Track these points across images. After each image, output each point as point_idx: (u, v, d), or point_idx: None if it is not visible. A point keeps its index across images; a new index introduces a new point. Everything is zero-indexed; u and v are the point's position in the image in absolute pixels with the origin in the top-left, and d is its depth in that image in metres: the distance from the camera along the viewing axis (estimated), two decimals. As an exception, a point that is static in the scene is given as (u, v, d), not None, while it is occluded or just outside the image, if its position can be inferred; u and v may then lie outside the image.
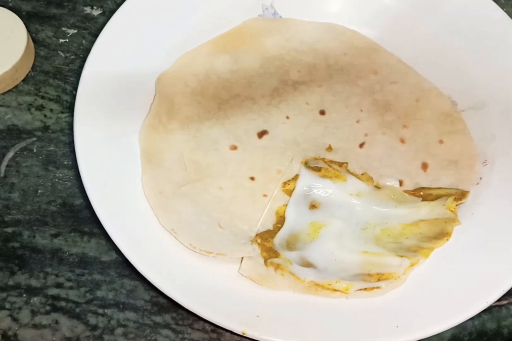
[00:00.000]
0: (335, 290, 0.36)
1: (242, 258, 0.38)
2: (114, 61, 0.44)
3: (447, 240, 0.38)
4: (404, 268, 0.36)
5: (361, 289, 0.36)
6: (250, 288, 0.36)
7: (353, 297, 0.36)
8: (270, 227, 0.40)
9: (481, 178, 0.41)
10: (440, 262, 0.37)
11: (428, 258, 0.37)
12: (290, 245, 0.39)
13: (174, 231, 0.37)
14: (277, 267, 0.37)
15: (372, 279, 0.36)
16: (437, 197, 0.41)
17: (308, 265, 0.37)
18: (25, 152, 0.45)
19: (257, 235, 0.39)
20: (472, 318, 0.37)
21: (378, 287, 0.36)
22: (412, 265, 0.37)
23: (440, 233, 0.38)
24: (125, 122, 0.42)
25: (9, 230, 0.42)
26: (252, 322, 0.35)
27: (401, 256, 0.37)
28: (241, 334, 0.35)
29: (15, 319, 0.39)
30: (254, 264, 0.37)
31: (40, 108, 0.47)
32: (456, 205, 0.40)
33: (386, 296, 0.36)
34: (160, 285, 0.36)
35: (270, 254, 0.38)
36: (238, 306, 0.36)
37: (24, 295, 0.40)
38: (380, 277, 0.36)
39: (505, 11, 0.46)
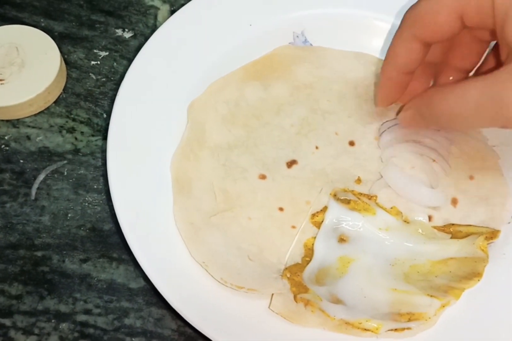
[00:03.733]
0: (365, 329, 0.36)
1: (273, 293, 0.38)
2: (147, 88, 0.44)
3: (478, 280, 0.38)
4: (435, 309, 0.36)
5: (391, 330, 0.36)
6: (280, 325, 0.36)
7: (383, 337, 0.36)
8: (299, 260, 0.40)
9: (512, 217, 0.41)
10: (471, 304, 0.37)
11: (459, 299, 0.37)
12: (319, 279, 0.39)
13: (206, 264, 0.38)
14: (307, 303, 0.37)
15: (402, 319, 0.36)
16: (467, 235, 0.40)
17: (337, 301, 0.37)
18: (55, 175, 0.46)
19: (286, 268, 0.39)
20: (502, 360, 0.37)
21: (409, 328, 0.36)
22: (443, 306, 0.37)
23: (470, 273, 0.38)
24: (158, 149, 0.43)
25: (39, 253, 0.42)
26: (282, 359, 0.35)
27: (431, 296, 0.37)
28: (270, 370, 0.35)
29: (43, 345, 0.40)
30: (284, 299, 0.37)
31: (71, 130, 0.48)
32: (487, 244, 0.39)
33: (416, 337, 0.36)
34: (189, 316, 0.36)
35: (299, 289, 0.38)
36: (268, 342, 0.36)
37: (53, 321, 0.40)
38: (410, 317, 0.36)
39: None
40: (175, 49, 0.46)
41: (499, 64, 0.39)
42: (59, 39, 0.51)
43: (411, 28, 0.37)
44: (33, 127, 0.47)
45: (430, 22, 0.36)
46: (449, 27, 0.36)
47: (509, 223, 0.41)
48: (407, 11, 0.38)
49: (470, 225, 0.41)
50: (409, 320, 0.36)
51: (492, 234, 0.40)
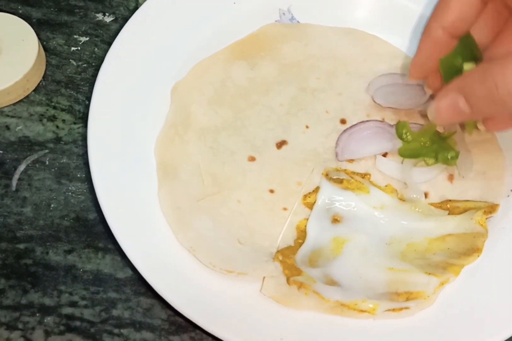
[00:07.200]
0: (361, 310, 0.34)
1: (264, 277, 0.36)
2: (129, 71, 0.43)
3: (478, 256, 0.36)
4: (433, 287, 0.35)
5: (389, 310, 0.35)
6: (273, 309, 0.35)
7: (381, 318, 0.34)
8: (291, 242, 0.39)
9: (511, 190, 0.40)
10: (471, 280, 0.36)
11: (458, 276, 0.36)
12: (313, 261, 0.37)
13: (193, 249, 0.36)
14: (300, 285, 0.35)
15: (400, 298, 0.35)
16: (464, 210, 0.39)
17: (332, 283, 0.36)
18: (37, 165, 0.44)
19: (278, 251, 0.38)
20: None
21: (407, 308, 0.34)
22: (442, 284, 0.35)
23: (469, 249, 0.37)
24: (140, 134, 0.41)
25: (22, 246, 0.41)
26: (276, 345, 0.33)
27: (429, 274, 0.35)
28: (263, 356, 0.34)
29: (28, 340, 0.38)
30: (276, 283, 0.36)
31: (52, 119, 0.46)
32: (486, 219, 0.38)
33: (415, 317, 0.35)
34: (179, 305, 0.35)
35: (292, 271, 0.36)
36: (260, 328, 0.34)
37: (37, 315, 0.39)
38: (408, 296, 0.35)
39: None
40: (156, 30, 0.44)
41: None
42: (38, 25, 0.49)
43: None
44: (12, 116, 0.46)
45: None
46: None
47: (508, 196, 0.39)
48: None
49: (467, 200, 0.40)
50: (407, 299, 0.35)
51: (491, 208, 0.38)
